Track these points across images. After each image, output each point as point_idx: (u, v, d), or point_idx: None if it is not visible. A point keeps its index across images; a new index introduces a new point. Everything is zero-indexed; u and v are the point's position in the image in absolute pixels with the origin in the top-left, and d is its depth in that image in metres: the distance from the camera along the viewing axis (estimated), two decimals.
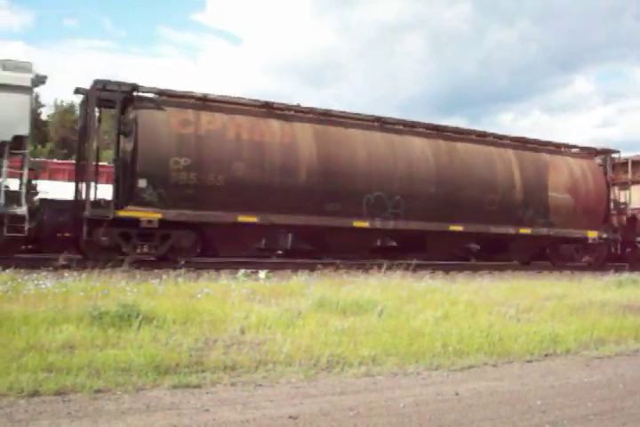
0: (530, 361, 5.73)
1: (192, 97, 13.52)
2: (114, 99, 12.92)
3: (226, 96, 13.95)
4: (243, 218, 13.21)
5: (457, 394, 4.46)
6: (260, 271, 10.62)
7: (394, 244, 16.52)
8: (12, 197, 11.50)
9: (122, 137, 13.39)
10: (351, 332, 5.93)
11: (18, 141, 11.64)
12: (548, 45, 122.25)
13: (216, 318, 6.27)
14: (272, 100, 14.51)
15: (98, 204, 12.78)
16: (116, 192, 12.75)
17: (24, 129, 11.60)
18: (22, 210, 11.45)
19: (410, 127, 16.22)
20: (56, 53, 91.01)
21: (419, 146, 15.77)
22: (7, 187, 11.56)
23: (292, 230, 14.78)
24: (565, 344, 6.30)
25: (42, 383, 4.01)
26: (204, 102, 13.58)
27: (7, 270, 8.79)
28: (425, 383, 4.76)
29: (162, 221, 12.52)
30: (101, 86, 12.76)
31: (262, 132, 13.74)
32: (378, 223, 14.75)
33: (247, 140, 13.50)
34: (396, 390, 4.52)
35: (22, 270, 9.25)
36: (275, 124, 14.09)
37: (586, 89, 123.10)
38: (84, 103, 13.52)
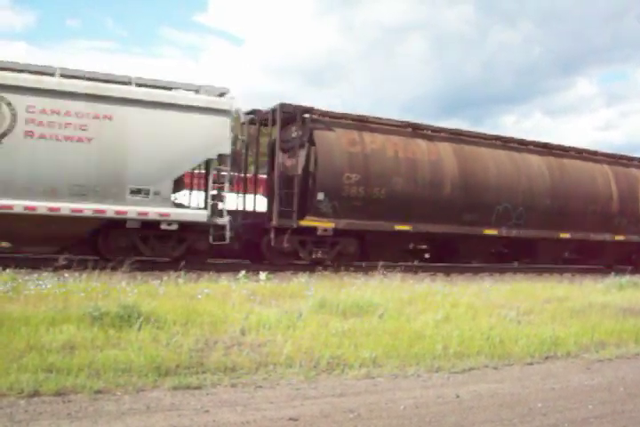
0: (530, 364, 5.73)
1: (353, 118, 15.20)
2: (286, 119, 14.53)
3: (380, 118, 15.64)
4: (399, 227, 14.93)
5: (457, 396, 4.46)
6: (260, 273, 10.61)
7: (506, 250, 18.14)
8: (216, 208, 12.99)
9: (280, 153, 14.92)
10: (352, 334, 5.93)
11: (220, 159, 13.12)
12: (550, 47, 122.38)
13: (216, 319, 6.27)
14: (413, 120, 16.45)
15: (284, 214, 13.96)
16: (299, 204, 14.07)
17: (226, 148, 12.94)
18: (224, 220, 12.81)
19: (524, 145, 17.99)
20: (58, 53, 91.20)
21: (535, 162, 17.67)
22: (214, 200, 13.02)
23: (431, 237, 16.34)
24: (566, 347, 6.30)
25: (42, 384, 4.01)
26: (363, 123, 15.20)
27: (8, 270, 8.78)
28: (425, 385, 4.75)
29: (334, 230, 14.19)
30: (282, 108, 14.47)
31: (414, 151, 15.41)
32: (504, 231, 16.53)
33: (403, 157, 15.17)
34: (396, 392, 4.52)
35: (23, 271, 9.25)
36: (422, 143, 15.77)
37: (588, 91, 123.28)
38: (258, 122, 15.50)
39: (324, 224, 14.01)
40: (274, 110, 14.54)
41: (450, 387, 4.73)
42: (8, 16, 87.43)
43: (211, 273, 10.77)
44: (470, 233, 15.87)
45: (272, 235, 13.68)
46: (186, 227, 12.67)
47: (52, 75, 11.99)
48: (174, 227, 12.50)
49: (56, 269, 9.41)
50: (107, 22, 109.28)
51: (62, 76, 12.02)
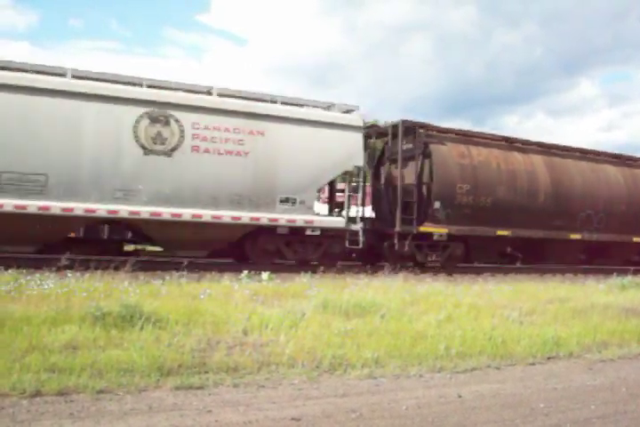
0: (533, 364, 5.73)
1: (457, 133, 16.55)
2: (395, 133, 15.87)
3: (481, 133, 17.26)
4: (500, 232, 16.33)
5: (460, 396, 4.46)
6: (262, 273, 10.62)
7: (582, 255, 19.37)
8: (351, 216, 14.56)
9: (387, 164, 16.55)
10: (354, 334, 5.93)
11: (355, 171, 14.78)
12: (552, 48, 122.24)
13: (218, 320, 6.27)
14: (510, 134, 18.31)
15: (405, 221, 15.18)
16: (418, 211, 15.41)
17: (360, 161, 14.53)
18: (357, 227, 14.27)
19: (599, 156, 19.41)
20: (60, 54, 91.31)
21: (612, 172, 19.09)
22: (349, 208, 14.59)
23: (525, 242, 17.34)
24: (568, 347, 6.29)
25: (44, 384, 4.01)
26: (467, 137, 16.59)
27: (10, 270, 8.79)
28: (427, 386, 4.75)
29: (447, 235, 15.56)
30: (403, 124, 15.71)
31: (512, 162, 16.84)
32: (586, 235, 17.91)
33: (504, 169, 16.57)
34: (398, 392, 4.52)
35: (25, 271, 9.25)
36: (518, 155, 17.19)
37: (590, 92, 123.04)
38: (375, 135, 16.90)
39: (439, 230, 15.47)
40: (394, 125, 15.92)
41: (452, 387, 4.73)
42: (10, 16, 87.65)
43: (213, 273, 10.77)
44: (558, 237, 17.42)
45: (395, 240, 15.01)
46: (323, 232, 14.06)
47: (209, 93, 13.43)
48: (317, 232, 13.98)
49: (58, 270, 9.42)
50: (110, 22, 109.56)
51: (219, 95, 13.41)
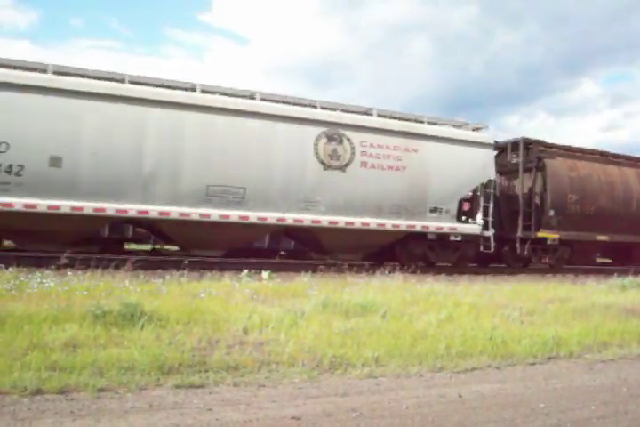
0: (533, 364, 5.72)
1: (560, 148, 18.52)
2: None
3: (581, 148, 19.22)
4: (600, 237, 18.47)
5: (460, 396, 4.46)
6: (262, 272, 10.62)
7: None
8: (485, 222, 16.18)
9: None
10: (354, 333, 5.93)
11: (487, 183, 16.30)
12: (554, 48, 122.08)
13: (219, 318, 6.27)
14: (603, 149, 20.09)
15: (525, 227, 17.27)
16: (535, 219, 17.47)
17: (492, 174, 16.29)
18: (489, 233, 16.01)
19: None
20: (61, 53, 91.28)
21: None
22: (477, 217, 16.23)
23: (617, 245, 19.61)
24: (569, 347, 6.28)
25: (45, 382, 4.01)
26: (569, 152, 18.60)
27: (10, 269, 8.80)
28: (428, 385, 4.75)
29: (558, 240, 17.63)
30: (524, 141, 17.93)
31: (610, 174, 18.99)
32: None
33: (604, 180, 18.72)
34: (398, 391, 4.52)
35: (25, 269, 9.26)
36: (614, 168, 19.35)
37: (592, 92, 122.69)
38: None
39: (552, 235, 17.55)
40: (514, 142, 18.14)
41: (452, 387, 4.73)
42: (11, 15, 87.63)
43: (213, 272, 10.77)
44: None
45: (517, 244, 17.06)
46: (462, 238, 16.00)
47: (369, 114, 15.10)
48: (459, 238, 15.90)
49: (59, 268, 9.42)
50: (110, 21, 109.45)
51: (379, 115, 15.15)
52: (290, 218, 13.50)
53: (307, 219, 13.67)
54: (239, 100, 13.52)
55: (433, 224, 15.28)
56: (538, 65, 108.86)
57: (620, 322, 7.66)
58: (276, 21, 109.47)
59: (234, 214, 12.89)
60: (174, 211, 12.43)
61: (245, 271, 10.26)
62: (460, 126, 16.53)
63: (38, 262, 10.24)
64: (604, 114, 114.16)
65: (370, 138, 14.48)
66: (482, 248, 16.02)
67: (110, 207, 11.94)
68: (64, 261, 9.49)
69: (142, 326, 5.59)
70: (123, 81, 12.69)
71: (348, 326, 6.17)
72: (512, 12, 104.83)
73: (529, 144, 17.98)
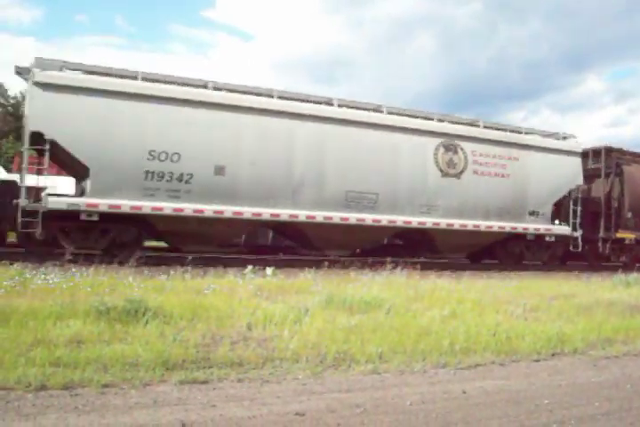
0: (537, 360, 5.71)
1: (629, 154, 19.71)
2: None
3: (632, 152, 20.27)
4: (622, 235, 19.30)
5: (464, 392, 4.46)
6: (267, 268, 10.62)
7: None
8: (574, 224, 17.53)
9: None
10: (358, 329, 5.92)
11: (577, 188, 17.65)
12: (559, 44, 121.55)
13: (223, 315, 6.27)
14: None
15: (606, 228, 18.67)
16: (614, 220, 18.71)
17: (581, 180, 17.57)
18: (577, 234, 17.42)
19: None
20: (66, 49, 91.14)
21: None
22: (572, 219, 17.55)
23: None
24: (573, 344, 6.27)
25: (49, 378, 4.02)
26: (635, 158, 19.77)
27: (15, 265, 8.82)
28: (432, 381, 4.75)
29: (635, 240, 19.01)
30: (605, 148, 19.13)
31: None
32: None
33: None
34: (402, 387, 4.51)
35: (30, 265, 9.28)
36: None
37: (597, 88, 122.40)
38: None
39: (629, 236, 18.93)
40: (595, 150, 19.26)
41: (456, 383, 4.73)
42: (16, 12, 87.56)
43: (217, 268, 10.77)
44: None
45: (599, 244, 18.40)
46: (543, 237, 17.20)
47: (476, 125, 16.37)
48: (552, 239, 17.27)
49: (63, 264, 9.44)
50: (115, 18, 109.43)
51: (485, 126, 16.43)
52: (414, 221, 14.93)
53: (428, 221, 15.10)
54: (372, 113, 14.88)
55: (531, 226, 16.76)
56: (543, 61, 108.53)
57: (624, 318, 7.65)
58: (280, 17, 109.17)
59: (368, 218, 14.30)
60: (319, 215, 13.77)
61: (249, 268, 10.26)
62: (550, 135, 17.86)
63: (42, 259, 10.27)
64: (608, 110, 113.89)
65: (479, 148, 15.93)
66: (571, 247, 17.43)
67: (266, 212, 13.21)
68: (68, 257, 9.53)
69: (146, 321, 5.60)
70: (219, 89, 13.47)
71: (351, 322, 6.17)
72: (516, 7, 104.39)
73: (610, 152, 19.15)
